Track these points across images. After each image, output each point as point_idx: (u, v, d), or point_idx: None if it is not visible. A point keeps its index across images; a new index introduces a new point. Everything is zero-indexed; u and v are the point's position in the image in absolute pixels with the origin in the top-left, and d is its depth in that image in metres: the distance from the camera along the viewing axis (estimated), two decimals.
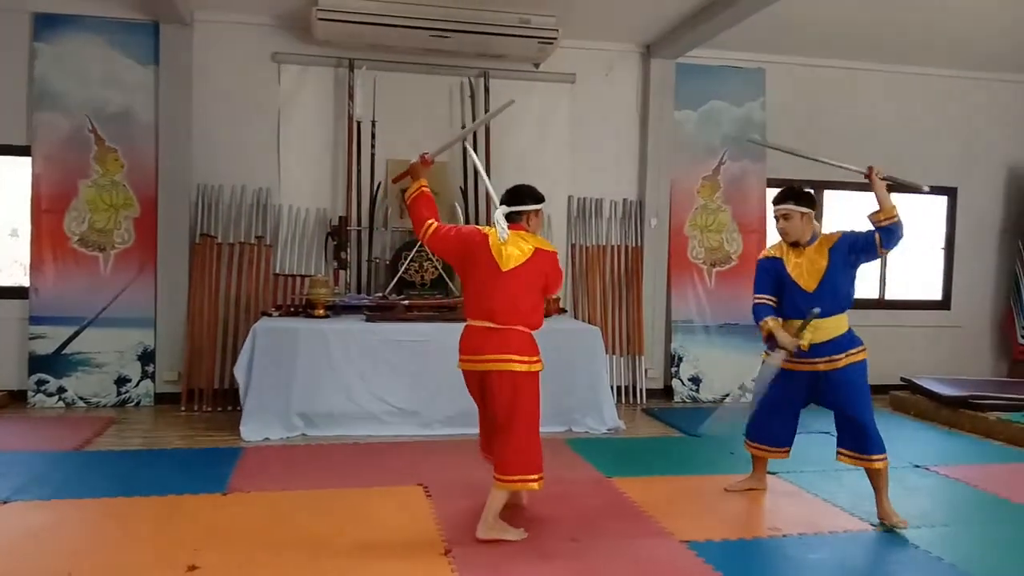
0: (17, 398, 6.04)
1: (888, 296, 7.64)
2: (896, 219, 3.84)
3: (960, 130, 7.64)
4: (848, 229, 4.01)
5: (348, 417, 5.35)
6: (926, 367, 7.28)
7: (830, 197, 7.47)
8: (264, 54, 6.33)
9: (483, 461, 3.84)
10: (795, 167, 7.15)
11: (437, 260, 6.26)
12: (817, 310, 3.78)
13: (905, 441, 5.63)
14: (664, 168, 6.95)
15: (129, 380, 6.13)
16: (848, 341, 3.89)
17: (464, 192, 6.51)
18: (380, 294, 6.04)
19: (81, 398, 6.06)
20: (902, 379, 6.92)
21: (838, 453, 3.95)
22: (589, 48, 6.80)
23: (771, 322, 3.95)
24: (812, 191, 4.12)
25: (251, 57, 6.31)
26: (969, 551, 3.55)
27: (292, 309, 5.89)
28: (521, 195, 3.67)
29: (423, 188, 3.70)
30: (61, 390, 6.03)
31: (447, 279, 6.28)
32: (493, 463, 3.60)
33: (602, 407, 5.69)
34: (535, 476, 3.50)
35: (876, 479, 3.86)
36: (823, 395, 3.95)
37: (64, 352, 6.04)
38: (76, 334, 6.05)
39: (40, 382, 6.00)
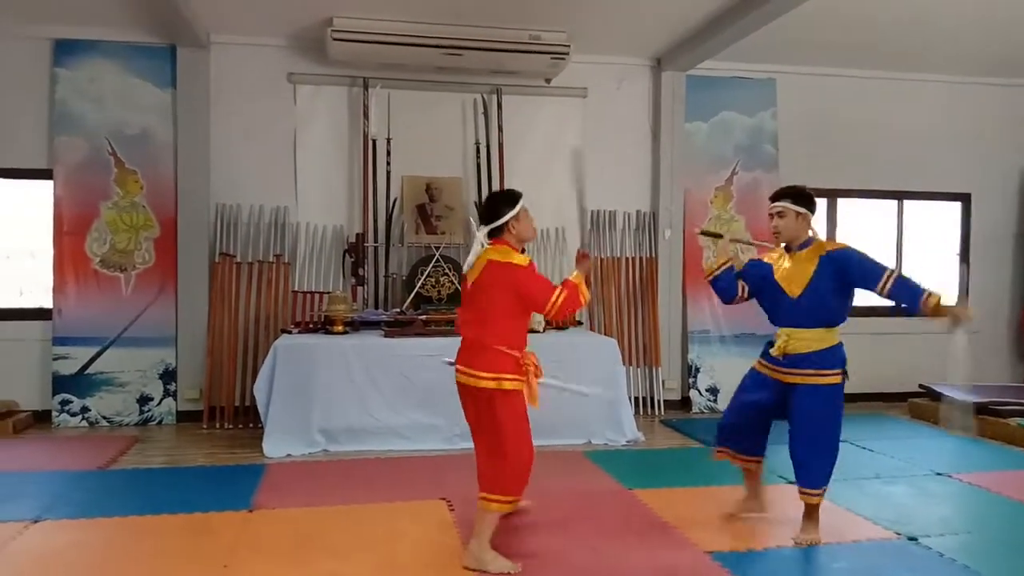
0: (42, 418, 6.12)
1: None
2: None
3: (972, 136, 7.65)
4: (854, 248, 3.67)
5: (369, 432, 5.39)
6: (944, 374, 7.21)
7: (844, 205, 7.49)
8: (280, 75, 6.42)
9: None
10: (808, 176, 7.20)
11: (454, 275, 6.31)
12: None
13: (925, 448, 5.62)
14: (677, 179, 6.99)
15: (151, 399, 6.21)
16: (823, 360, 3.61)
17: (479, 207, 6.55)
18: (398, 309, 6.09)
19: (104, 417, 6.13)
20: (920, 386, 6.91)
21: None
22: (600, 62, 6.85)
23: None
24: (812, 194, 3.81)
25: (267, 78, 6.41)
26: (993, 558, 3.54)
27: (311, 326, 5.95)
28: (494, 206, 3.48)
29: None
30: (85, 409, 6.10)
31: None
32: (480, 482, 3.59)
33: (621, 419, 5.70)
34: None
35: (808, 509, 3.72)
36: (788, 410, 3.71)
37: (87, 372, 6.12)
38: (99, 354, 6.13)
39: (64, 402, 6.08)
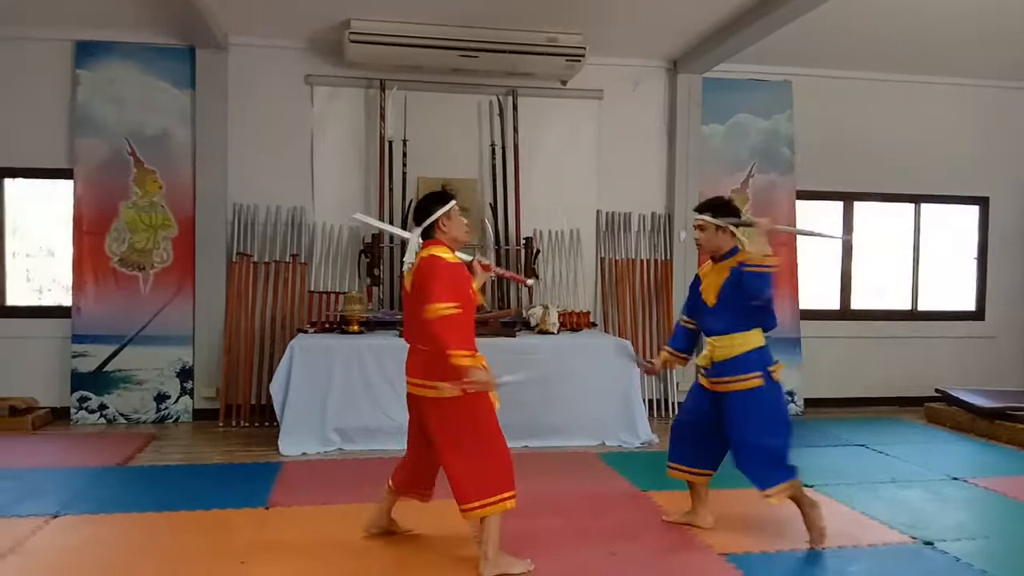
0: (60, 415, 6.19)
1: (921, 308, 7.58)
2: (765, 269, 3.61)
3: (990, 139, 7.59)
4: (758, 268, 3.68)
5: (383, 432, 5.41)
6: (961, 378, 7.21)
7: (860, 208, 7.46)
8: (297, 76, 6.47)
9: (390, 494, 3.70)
10: (824, 179, 7.22)
11: None
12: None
13: (941, 453, 5.60)
14: (692, 181, 6.98)
15: (168, 397, 6.26)
16: (738, 365, 3.63)
17: (494, 208, 6.58)
18: None
19: (122, 415, 6.19)
20: (937, 391, 6.87)
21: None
22: (616, 64, 6.85)
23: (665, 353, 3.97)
24: (735, 205, 3.91)
25: (284, 80, 6.45)
26: (1010, 563, 3.53)
27: (327, 326, 5.99)
28: (424, 205, 3.42)
29: None
30: (103, 407, 6.17)
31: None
32: (422, 494, 3.65)
33: (635, 421, 5.71)
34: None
35: (801, 512, 3.68)
36: (721, 417, 3.73)
37: (105, 370, 6.18)
38: (117, 352, 6.19)
39: (82, 399, 6.15)
